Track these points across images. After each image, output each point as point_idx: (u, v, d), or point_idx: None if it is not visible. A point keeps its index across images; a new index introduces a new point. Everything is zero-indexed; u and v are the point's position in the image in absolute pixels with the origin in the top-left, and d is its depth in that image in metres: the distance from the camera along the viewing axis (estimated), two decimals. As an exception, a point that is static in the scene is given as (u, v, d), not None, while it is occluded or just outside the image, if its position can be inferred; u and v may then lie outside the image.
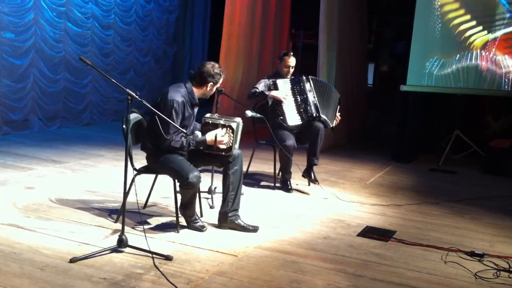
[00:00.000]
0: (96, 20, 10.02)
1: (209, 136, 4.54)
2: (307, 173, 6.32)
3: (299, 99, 6.17)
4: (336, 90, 6.52)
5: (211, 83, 4.62)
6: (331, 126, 6.38)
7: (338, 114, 6.42)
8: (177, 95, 4.47)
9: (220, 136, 4.53)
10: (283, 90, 6.13)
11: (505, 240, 4.93)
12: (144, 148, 4.66)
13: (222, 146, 4.57)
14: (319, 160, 6.35)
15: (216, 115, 4.69)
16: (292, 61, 6.25)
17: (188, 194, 4.47)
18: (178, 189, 4.52)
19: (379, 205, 5.86)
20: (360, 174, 7.40)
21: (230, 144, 4.58)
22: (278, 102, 6.10)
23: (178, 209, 4.59)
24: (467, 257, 4.37)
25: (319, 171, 6.93)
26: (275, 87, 6.10)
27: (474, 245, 4.70)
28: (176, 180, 4.51)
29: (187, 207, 4.57)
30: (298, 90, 6.20)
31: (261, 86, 6.19)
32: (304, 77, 6.28)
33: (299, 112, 6.17)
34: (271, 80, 6.17)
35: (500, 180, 7.56)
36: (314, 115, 6.17)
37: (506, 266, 4.19)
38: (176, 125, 4.37)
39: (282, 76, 6.26)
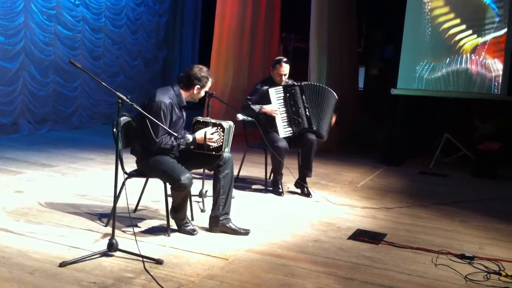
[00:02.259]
0: (86, 23, 9.99)
1: (199, 134, 4.55)
2: (300, 186, 6.28)
3: (290, 111, 6.12)
4: (333, 93, 6.27)
5: (198, 86, 4.61)
6: (324, 137, 6.31)
7: (333, 118, 6.30)
8: (165, 97, 4.47)
9: (209, 134, 4.53)
10: (275, 102, 6.08)
11: (494, 243, 4.96)
12: (134, 151, 4.65)
13: (212, 144, 4.57)
14: (312, 173, 6.34)
15: (208, 118, 4.70)
16: (285, 69, 6.11)
17: (180, 196, 4.47)
18: (169, 192, 4.52)
19: (370, 208, 5.88)
20: (351, 177, 7.41)
21: (221, 143, 4.58)
22: (270, 117, 6.08)
23: (169, 212, 4.58)
24: (457, 260, 4.39)
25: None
26: (267, 96, 6.07)
27: (464, 247, 4.73)
28: (168, 183, 4.50)
29: (178, 210, 4.55)
30: (290, 100, 6.11)
31: (255, 97, 6.13)
32: (298, 86, 6.16)
33: (290, 125, 6.13)
34: (264, 88, 6.14)
35: (489, 183, 7.60)
36: (306, 127, 6.15)
37: (496, 269, 4.21)
38: (165, 127, 4.36)
39: (276, 82, 6.19)
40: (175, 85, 4.63)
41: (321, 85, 6.39)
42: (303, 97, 6.16)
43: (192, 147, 4.56)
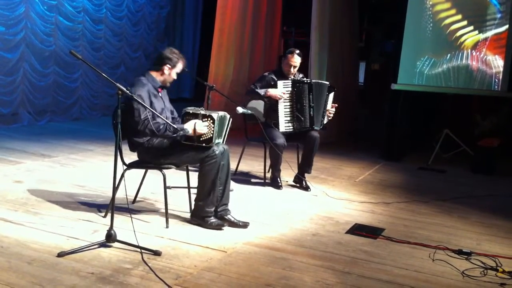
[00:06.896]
0: (87, 14, 9.98)
1: (188, 125, 4.46)
2: (299, 181, 6.28)
3: (295, 107, 6.04)
4: (326, 84, 6.14)
5: (169, 66, 4.61)
6: (322, 126, 6.21)
7: (330, 107, 6.17)
8: (139, 87, 4.49)
9: (199, 125, 4.45)
10: (281, 90, 6.03)
11: (492, 239, 4.97)
12: (133, 147, 4.62)
13: (202, 132, 4.45)
14: (311, 169, 6.32)
15: (198, 109, 4.60)
16: (296, 60, 6.04)
17: (212, 172, 4.46)
18: (168, 184, 4.51)
19: (368, 202, 5.88)
20: (350, 172, 7.42)
21: (211, 135, 4.49)
22: (275, 101, 6.04)
23: (197, 202, 4.59)
24: (454, 255, 4.40)
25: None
26: (274, 86, 6.03)
27: (462, 243, 4.73)
28: (195, 160, 4.53)
29: (209, 194, 4.52)
30: (296, 96, 6.02)
31: (261, 84, 6.11)
32: (307, 83, 6.02)
33: (292, 121, 6.08)
34: (273, 77, 6.09)
35: (488, 179, 7.61)
36: (307, 126, 6.07)
37: (493, 265, 4.22)
38: (160, 115, 4.35)
39: (284, 75, 6.13)
40: (146, 72, 4.66)
41: (326, 82, 6.22)
42: (310, 96, 6.02)
43: (180, 138, 4.49)
